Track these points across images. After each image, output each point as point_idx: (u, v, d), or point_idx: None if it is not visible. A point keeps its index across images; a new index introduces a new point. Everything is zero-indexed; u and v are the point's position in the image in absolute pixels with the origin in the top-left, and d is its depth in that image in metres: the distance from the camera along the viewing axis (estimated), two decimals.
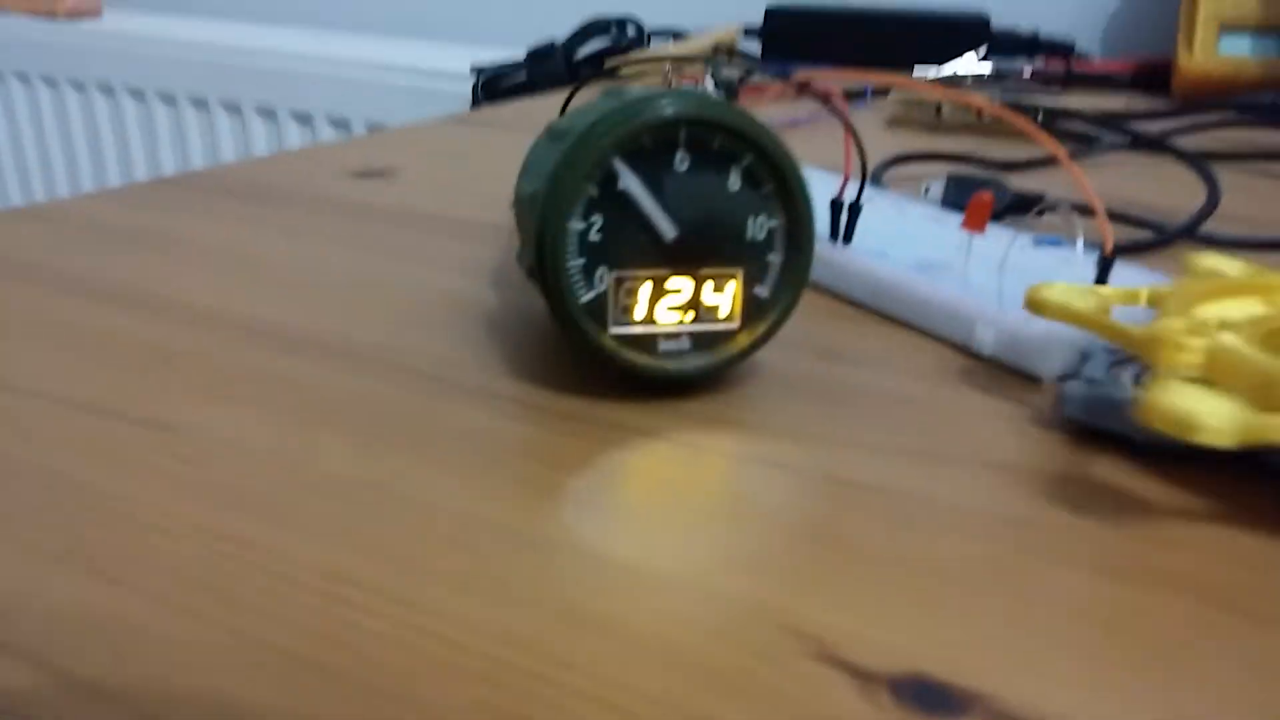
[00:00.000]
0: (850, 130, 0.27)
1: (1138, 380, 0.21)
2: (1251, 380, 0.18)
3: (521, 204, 0.23)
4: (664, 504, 0.19)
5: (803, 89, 0.28)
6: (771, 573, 0.17)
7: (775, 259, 0.22)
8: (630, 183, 0.21)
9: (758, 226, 0.22)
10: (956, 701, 0.14)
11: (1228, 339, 0.19)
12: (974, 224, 0.27)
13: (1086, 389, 0.21)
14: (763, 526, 0.18)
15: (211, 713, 0.14)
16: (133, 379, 0.23)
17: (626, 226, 0.21)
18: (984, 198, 0.26)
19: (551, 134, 0.22)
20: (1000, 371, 0.25)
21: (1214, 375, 0.18)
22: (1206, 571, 0.17)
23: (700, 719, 0.14)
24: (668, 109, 0.21)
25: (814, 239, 0.22)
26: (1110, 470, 0.20)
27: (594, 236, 0.21)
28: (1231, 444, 0.17)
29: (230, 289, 0.29)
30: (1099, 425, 0.21)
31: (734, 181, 0.22)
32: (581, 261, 0.21)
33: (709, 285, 0.22)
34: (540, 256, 0.21)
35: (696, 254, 0.22)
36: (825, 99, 0.28)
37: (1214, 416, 0.17)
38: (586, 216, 0.21)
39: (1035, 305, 0.22)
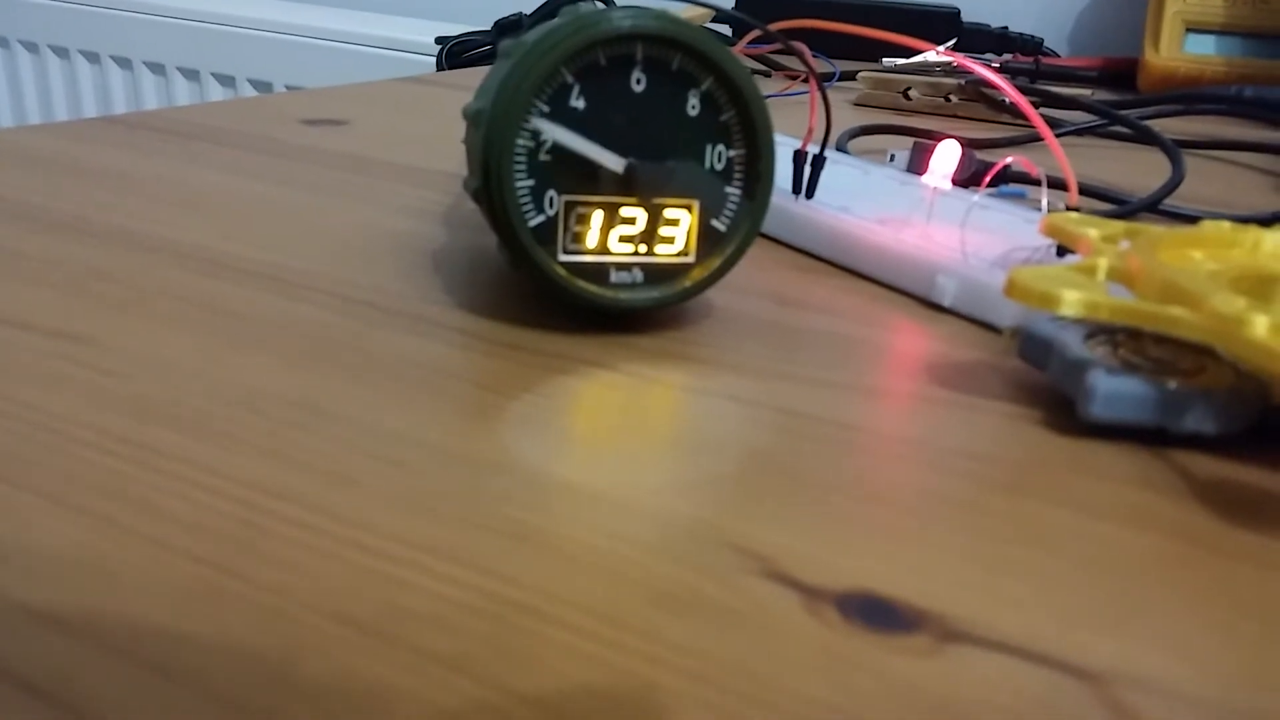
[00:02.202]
0: (814, 76, 0.27)
1: (1117, 347, 0.20)
2: (1159, 285, 0.19)
3: (469, 122, 0.22)
4: (609, 429, 0.18)
5: (770, 39, 0.27)
6: (718, 495, 0.16)
7: (733, 191, 0.22)
8: (558, 134, 0.20)
9: (716, 155, 0.21)
10: (905, 619, 0.13)
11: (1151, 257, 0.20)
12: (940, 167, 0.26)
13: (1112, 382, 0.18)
14: (711, 453, 0.17)
15: (120, 622, 0.13)
16: (51, 294, 0.22)
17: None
18: (951, 143, 0.26)
19: (502, 53, 0.21)
20: (960, 320, 0.24)
21: (1129, 280, 0.20)
22: (1171, 509, 0.17)
23: (645, 633, 0.13)
24: (624, 22, 0.20)
25: (774, 171, 0.22)
26: (1070, 413, 0.20)
27: (544, 156, 0.20)
28: (1076, 314, 0.19)
29: (166, 218, 0.27)
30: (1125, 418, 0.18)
31: (693, 106, 0.21)
32: (530, 183, 0.20)
33: (664, 216, 0.21)
34: (486, 176, 0.20)
35: (651, 182, 0.21)
36: (789, 47, 0.28)
37: (1070, 294, 0.18)
38: (536, 135, 0.20)
39: (1013, 290, 0.20)
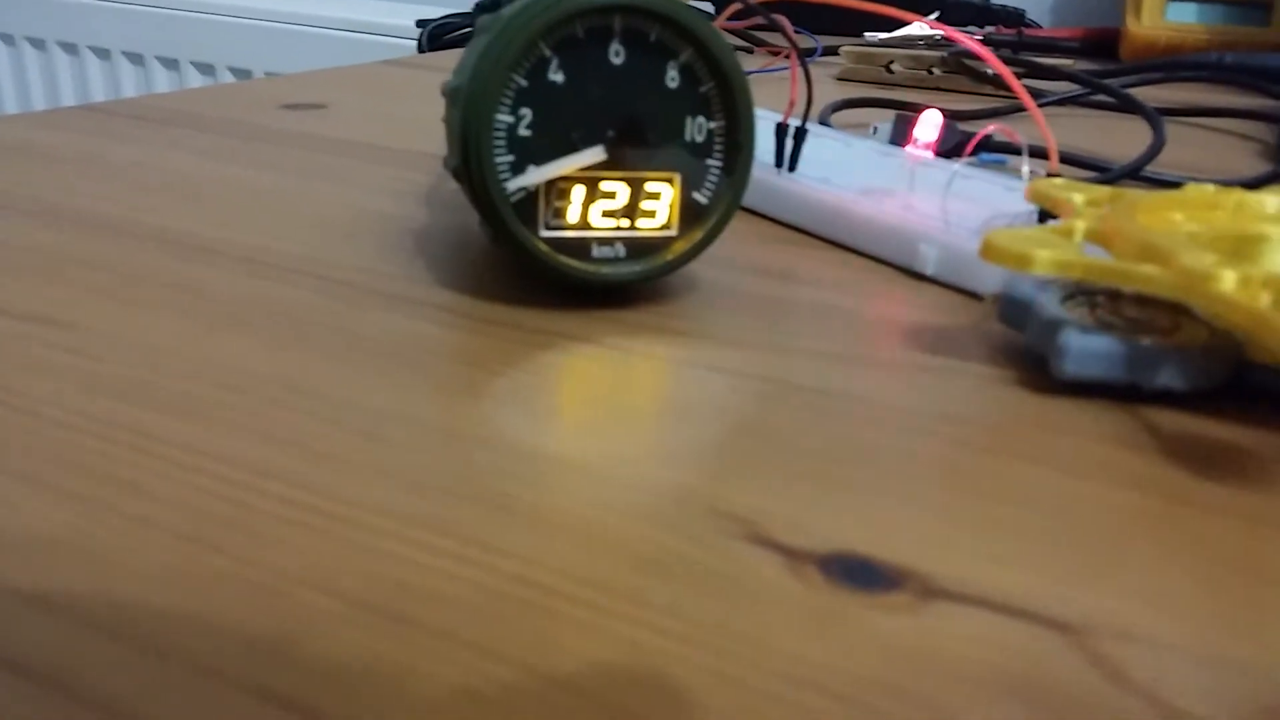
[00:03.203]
0: (795, 47, 0.27)
1: (1095, 308, 0.20)
2: (1135, 245, 0.19)
3: (447, 100, 0.21)
4: (594, 402, 0.18)
5: (752, 12, 0.27)
6: (702, 463, 0.16)
7: (714, 163, 0.22)
8: (535, 176, 0.20)
9: (696, 128, 0.21)
10: (886, 578, 0.14)
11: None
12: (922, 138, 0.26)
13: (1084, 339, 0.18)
14: (694, 422, 0.18)
15: (108, 602, 0.13)
16: (30, 281, 0.22)
17: (559, 122, 0.20)
18: (933, 113, 0.26)
19: (480, 28, 0.21)
20: (943, 289, 0.24)
21: (1106, 241, 0.20)
22: (1147, 465, 0.17)
23: (631, 597, 0.13)
24: None
25: (754, 142, 0.22)
26: (1049, 375, 0.20)
27: (523, 131, 0.20)
28: (1048, 273, 0.19)
29: (145, 203, 0.27)
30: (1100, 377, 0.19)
31: (672, 78, 0.21)
32: (510, 159, 0.20)
33: (645, 190, 0.21)
34: (465, 153, 0.20)
35: (632, 155, 0.21)
36: (771, 21, 0.28)
37: (1042, 253, 0.18)
38: (515, 110, 0.20)
39: (989, 252, 0.20)
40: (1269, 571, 0.14)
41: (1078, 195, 0.22)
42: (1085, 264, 0.18)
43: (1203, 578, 0.14)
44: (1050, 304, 0.19)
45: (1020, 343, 0.20)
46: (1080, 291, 0.20)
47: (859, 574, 0.14)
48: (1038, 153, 0.34)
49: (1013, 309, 0.20)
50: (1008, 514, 0.15)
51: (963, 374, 0.20)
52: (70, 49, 0.96)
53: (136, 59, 0.93)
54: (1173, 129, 0.44)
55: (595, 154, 0.21)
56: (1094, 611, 0.13)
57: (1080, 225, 0.20)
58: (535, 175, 0.20)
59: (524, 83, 0.20)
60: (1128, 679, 0.12)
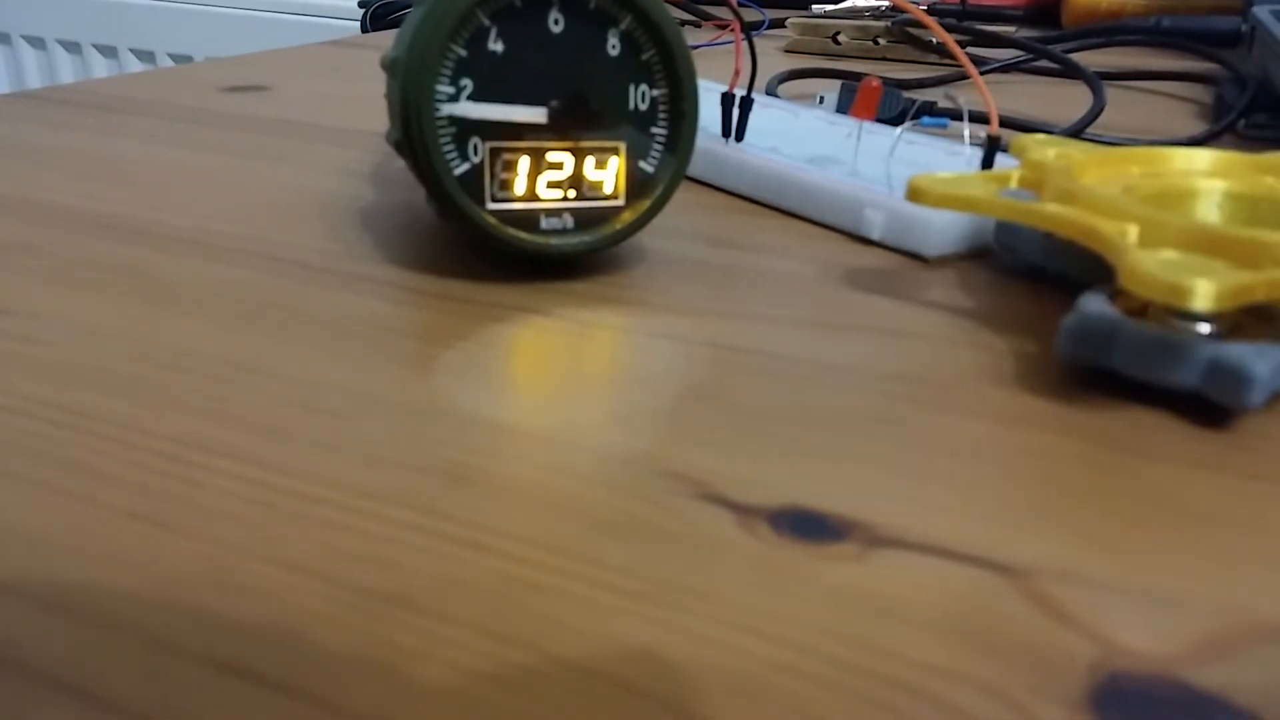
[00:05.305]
0: (737, 16, 0.27)
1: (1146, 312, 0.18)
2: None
3: (387, 72, 0.21)
4: (545, 371, 0.18)
5: None
6: (653, 427, 0.16)
7: (659, 131, 0.22)
8: (473, 110, 0.20)
9: (640, 96, 0.21)
10: (834, 530, 0.14)
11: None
12: (863, 110, 0.26)
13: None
14: (645, 388, 0.18)
15: (58, 581, 0.13)
16: None
17: (500, 92, 0.20)
18: (871, 83, 0.26)
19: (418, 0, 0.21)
20: (890, 253, 0.25)
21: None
22: (1085, 417, 0.17)
23: (585, 558, 0.13)
24: None
25: (698, 109, 0.22)
26: (1000, 335, 0.20)
27: (465, 102, 0.20)
28: (1220, 307, 0.16)
29: (86, 190, 0.27)
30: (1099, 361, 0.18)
31: (613, 45, 0.21)
32: (453, 130, 0.20)
33: (591, 160, 0.21)
34: (407, 126, 0.20)
35: (576, 124, 0.21)
36: None
37: (1204, 284, 0.16)
38: (455, 81, 0.20)
39: (914, 194, 0.21)
40: (1198, 510, 0.15)
41: (1051, 150, 0.23)
42: (1270, 281, 0.16)
43: (1138, 519, 0.14)
44: (1137, 323, 0.17)
45: (962, 304, 0.21)
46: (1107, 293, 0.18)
47: (807, 527, 0.14)
48: (979, 117, 0.34)
49: (1092, 338, 0.18)
50: (951, 465, 0.16)
51: (909, 335, 0.20)
52: (3, 39, 0.94)
53: (73, 47, 0.91)
54: (1113, 92, 0.44)
55: (536, 113, 0.20)
56: (1034, 554, 0.13)
57: (1133, 229, 0.18)
58: (473, 110, 0.20)
59: (463, 53, 0.20)
60: (1068, 616, 0.12)
